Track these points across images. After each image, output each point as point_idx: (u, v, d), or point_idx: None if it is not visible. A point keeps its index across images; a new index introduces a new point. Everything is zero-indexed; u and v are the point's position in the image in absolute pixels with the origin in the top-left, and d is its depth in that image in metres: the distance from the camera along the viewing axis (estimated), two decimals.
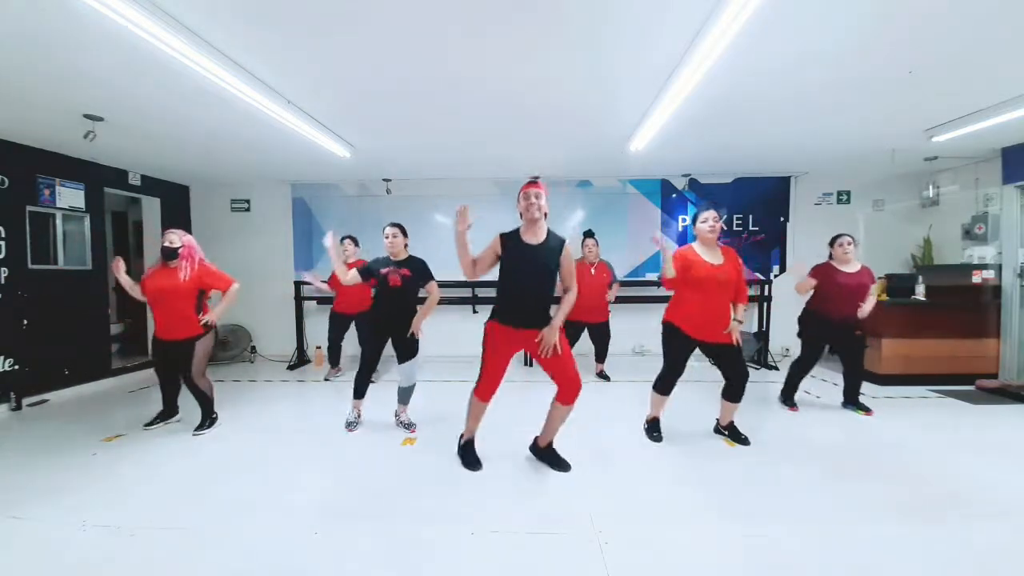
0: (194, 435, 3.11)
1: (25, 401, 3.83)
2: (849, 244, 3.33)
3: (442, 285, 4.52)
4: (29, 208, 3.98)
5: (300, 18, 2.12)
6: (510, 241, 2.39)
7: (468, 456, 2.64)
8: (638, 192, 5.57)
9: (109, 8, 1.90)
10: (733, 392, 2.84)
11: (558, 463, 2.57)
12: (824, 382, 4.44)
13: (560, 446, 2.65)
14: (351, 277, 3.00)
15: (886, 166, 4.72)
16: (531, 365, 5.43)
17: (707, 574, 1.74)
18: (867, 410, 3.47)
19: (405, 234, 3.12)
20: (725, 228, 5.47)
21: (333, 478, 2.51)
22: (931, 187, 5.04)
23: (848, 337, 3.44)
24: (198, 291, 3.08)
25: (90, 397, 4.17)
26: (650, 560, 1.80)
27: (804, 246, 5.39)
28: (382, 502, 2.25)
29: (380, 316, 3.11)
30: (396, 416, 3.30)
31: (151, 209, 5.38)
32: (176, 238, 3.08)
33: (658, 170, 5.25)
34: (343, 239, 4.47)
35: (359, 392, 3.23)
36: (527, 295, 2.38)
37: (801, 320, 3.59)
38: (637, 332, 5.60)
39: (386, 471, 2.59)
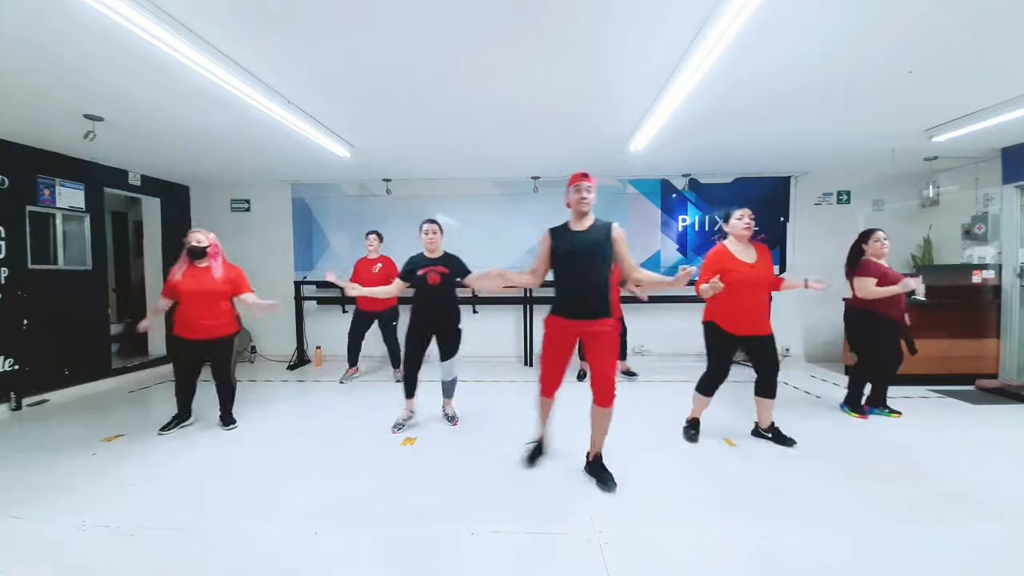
0: (226, 430, 3.17)
1: (25, 401, 3.83)
2: (886, 239, 3.26)
3: None
4: (29, 208, 3.98)
5: (301, 19, 2.11)
6: (558, 232, 2.42)
7: (532, 454, 2.58)
8: (638, 192, 5.57)
9: (109, 8, 1.90)
10: (766, 387, 2.86)
11: (603, 480, 2.39)
12: (824, 382, 4.44)
13: (558, 444, 2.65)
14: (396, 288, 3.04)
15: (886, 166, 4.72)
16: (531, 365, 5.44)
17: (707, 574, 1.74)
18: (896, 412, 3.42)
19: (442, 231, 3.15)
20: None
21: (333, 478, 2.51)
22: (931, 187, 5.04)
23: (897, 335, 3.32)
24: (231, 290, 3.11)
25: (90, 397, 4.17)
26: (650, 560, 1.80)
27: (804, 246, 5.39)
28: (382, 502, 2.24)
29: (420, 315, 3.10)
30: (443, 409, 3.38)
31: (151, 209, 5.39)
32: (203, 236, 3.08)
33: (658, 170, 5.25)
34: (368, 234, 4.50)
35: (409, 391, 3.23)
36: (579, 281, 2.34)
37: (859, 322, 3.42)
38: (637, 332, 5.59)
39: (386, 471, 2.59)
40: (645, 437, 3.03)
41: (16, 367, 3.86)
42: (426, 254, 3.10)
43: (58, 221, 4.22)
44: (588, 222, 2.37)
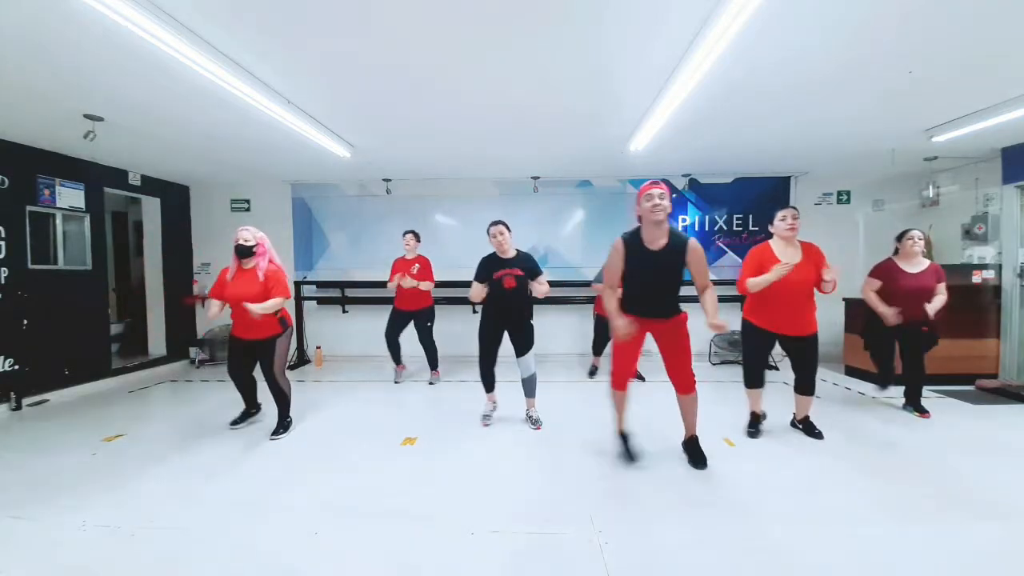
0: (271, 440, 3.01)
1: (25, 401, 3.83)
2: (920, 239, 3.22)
3: (446, 284, 4.58)
4: (29, 208, 3.98)
5: (301, 19, 2.11)
6: (631, 247, 2.39)
7: (623, 447, 2.68)
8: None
9: (109, 8, 1.90)
10: (804, 385, 2.93)
11: (696, 459, 2.57)
12: (823, 382, 4.43)
13: (558, 443, 2.65)
14: (480, 291, 3.02)
15: (886, 166, 4.72)
16: None
17: (707, 574, 1.73)
18: (924, 412, 3.40)
19: (509, 229, 3.05)
20: (725, 228, 5.49)
21: (333, 478, 2.51)
22: (931, 187, 5.04)
23: (914, 337, 3.34)
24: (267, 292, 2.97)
25: (90, 397, 4.17)
26: (650, 560, 1.80)
27: None
28: (382, 502, 2.25)
29: (494, 313, 3.10)
30: (526, 412, 3.30)
31: (151, 209, 5.39)
32: (250, 235, 2.96)
33: (658, 170, 5.25)
34: (406, 233, 4.41)
35: (487, 386, 3.26)
36: (652, 297, 2.43)
37: (866, 323, 3.52)
38: None
39: (386, 471, 2.59)
40: (645, 437, 3.02)
41: (16, 367, 3.86)
42: (499, 255, 3.04)
43: (58, 221, 4.22)
44: (663, 239, 2.32)
